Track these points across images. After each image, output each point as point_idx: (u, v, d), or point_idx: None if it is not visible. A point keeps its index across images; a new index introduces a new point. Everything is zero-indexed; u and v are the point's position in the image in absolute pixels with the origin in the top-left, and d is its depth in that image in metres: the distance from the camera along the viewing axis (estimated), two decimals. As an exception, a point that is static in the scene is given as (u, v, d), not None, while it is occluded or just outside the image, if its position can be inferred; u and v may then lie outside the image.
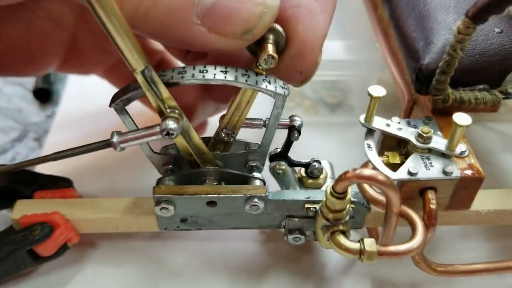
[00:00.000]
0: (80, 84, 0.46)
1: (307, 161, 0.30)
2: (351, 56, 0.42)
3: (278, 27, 0.24)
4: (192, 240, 0.33)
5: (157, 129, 0.25)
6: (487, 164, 0.40)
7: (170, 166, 0.29)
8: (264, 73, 0.25)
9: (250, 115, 0.30)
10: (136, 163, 0.35)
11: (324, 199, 0.26)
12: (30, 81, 0.47)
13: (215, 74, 0.24)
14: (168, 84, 0.24)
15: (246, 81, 0.24)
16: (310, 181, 0.30)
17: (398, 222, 0.26)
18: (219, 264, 0.32)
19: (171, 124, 0.24)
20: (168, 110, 0.25)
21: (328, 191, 0.25)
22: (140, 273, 0.31)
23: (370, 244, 0.25)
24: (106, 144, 0.26)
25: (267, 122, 0.27)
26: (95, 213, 0.29)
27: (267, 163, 0.30)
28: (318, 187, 0.30)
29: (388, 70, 0.35)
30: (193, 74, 0.24)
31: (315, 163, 0.30)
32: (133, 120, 0.26)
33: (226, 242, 0.33)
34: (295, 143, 0.42)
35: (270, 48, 0.24)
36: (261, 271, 0.32)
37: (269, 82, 0.25)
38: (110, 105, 0.26)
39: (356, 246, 0.25)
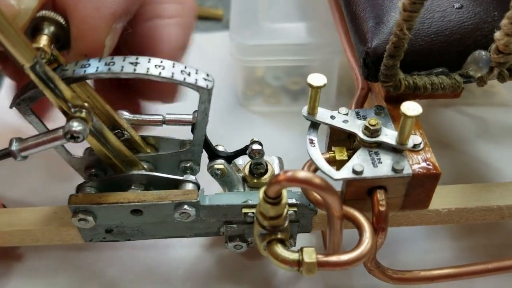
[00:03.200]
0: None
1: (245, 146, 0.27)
2: (313, 39, 0.38)
3: (54, 15, 0.21)
4: (128, 249, 0.30)
5: (61, 132, 0.21)
6: (460, 152, 0.37)
7: (93, 170, 0.26)
8: (55, 65, 0.22)
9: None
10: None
11: (258, 204, 0.23)
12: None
13: (122, 67, 0.21)
14: (70, 80, 0.21)
15: (160, 73, 0.21)
16: (255, 180, 0.28)
17: (344, 226, 0.23)
18: (159, 274, 0.29)
19: (75, 126, 0.21)
20: (73, 110, 0.22)
21: (261, 196, 0.22)
22: (70, 287, 0.29)
23: (309, 254, 0.22)
24: (5, 153, 0.23)
25: (166, 118, 0.26)
26: (11, 225, 0.26)
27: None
28: (264, 186, 0.27)
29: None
30: (98, 68, 0.21)
31: (253, 144, 0.26)
32: (42, 122, 0.23)
33: (166, 249, 0.30)
34: (254, 137, 0.39)
35: (42, 40, 0.21)
36: (206, 280, 0.29)
37: (188, 74, 0.22)
38: (10, 106, 0.23)
39: (294, 256, 0.22)
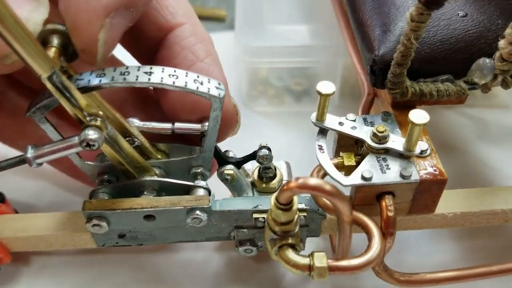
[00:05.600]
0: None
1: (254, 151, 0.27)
2: (316, 41, 0.39)
3: (61, 27, 0.21)
4: (137, 252, 0.30)
5: (76, 140, 0.22)
6: (461, 153, 0.38)
7: (105, 176, 0.26)
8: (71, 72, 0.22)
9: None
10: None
11: (269, 210, 0.23)
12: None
13: (137, 76, 0.22)
14: (85, 89, 0.22)
15: (174, 82, 0.22)
16: (263, 185, 0.28)
17: (353, 230, 0.24)
18: (168, 276, 0.30)
19: (91, 134, 0.21)
20: (88, 118, 0.22)
21: (272, 202, 0.23)
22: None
23: (320, 258, 0.23)
24: (20, 160, 0.23)
25: (175, 126, 0.26)
26: (25, 231, 0.26)
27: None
28: (272, 191, 0.28)
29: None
30: (113, 77, 0.22)
31: (262, 150, 0.27)
32: (56, 129, 0.24)
33: (175, 251, 0.31)
34: (259, 137, 0.39)
35: (51, 53, 0.21)
36: (215, 282, 0.29)
37: (201, 83, 0.22)
38: (26, 114, 0.23)
39: (305, 261, 0.23)
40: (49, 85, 0.20)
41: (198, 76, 0.22)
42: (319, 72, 0.41)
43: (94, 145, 0.21)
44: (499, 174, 0.36)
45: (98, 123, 0.22)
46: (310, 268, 0.23)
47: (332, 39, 0.38)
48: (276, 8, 0.41)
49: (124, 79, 0.21)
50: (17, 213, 0.29)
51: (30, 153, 0.22)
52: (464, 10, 0.26)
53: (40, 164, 0.23)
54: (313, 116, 0.26)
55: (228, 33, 0.49)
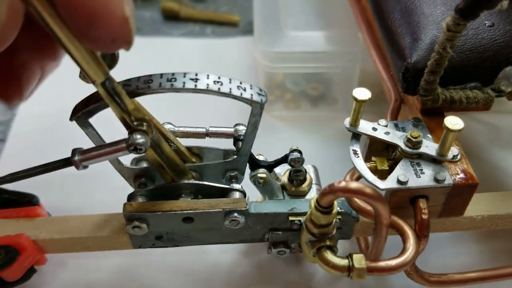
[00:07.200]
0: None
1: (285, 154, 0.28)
2: (332, 47, 0.40)
3: None
4: (169, 255, 0.31)
5: (124, 144, 0.22)
6: (476, 159, 0.38)
7: (142, 179, 0.27)
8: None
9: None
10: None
11: (309, 213, 0.24)
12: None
13: (184, 83, 0.22)
14: (133, 95, 0.22)
15: (219, 89, 0.22)
16: (293, 188, 0.29)
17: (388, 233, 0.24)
18: (199, 279, 0.30)
19: (139, 139, 0.22)
20: (135, 123, 0.22)
21: (313, 205, 0.23)
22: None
23: (359, 260, 0.23)
24: (66, 162, 0.23)
25: (209, 130, 0.27)
26: (62, 233, 0.27)
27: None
28: (303, 194, 0.29)
29: (370, 60, 0.33)
30: (161, 83, 0.22)
31: (294, 153, 0.27)
32: (98, 134, 0.24)
33: (202, 254, 0.31)
34: (276, 141, 0.40)
35: None
36: (245, 284, 0.30)
37: (244, 89, 0.23)
38: (70, 119, 0.23)
39: (344, 262, 0.24)
40: (101, 91, 0.21)
41: (241, 83, 0.23)
42: (334, 78, 0.42)
43: (141, 149, 0.22)
44: (512, 178, 0.37)
45: (144, 127, 0.22)
46: (349, 269, 0.23)
47: (349, 45, 0.39)
48: (294, 14, 0.42)
49: (172, 85, 0.22)
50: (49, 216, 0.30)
51: (77, 156, 0.23)
52: (490, 20, 0.27)
53: (86, 167, 0.23)
54: (347, 121, 0.26)
55: (242, 38, 0.50)
